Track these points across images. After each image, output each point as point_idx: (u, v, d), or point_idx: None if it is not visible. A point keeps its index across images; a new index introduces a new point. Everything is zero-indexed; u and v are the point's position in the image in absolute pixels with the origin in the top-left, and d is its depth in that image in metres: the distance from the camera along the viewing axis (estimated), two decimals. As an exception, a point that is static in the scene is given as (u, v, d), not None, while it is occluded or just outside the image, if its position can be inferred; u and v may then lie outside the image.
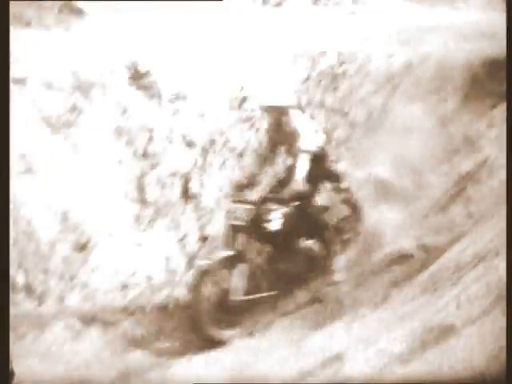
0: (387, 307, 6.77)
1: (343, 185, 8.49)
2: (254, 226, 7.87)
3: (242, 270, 7.72)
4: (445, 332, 5.79)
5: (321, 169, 8.21)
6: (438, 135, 9.38)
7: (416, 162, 9.18)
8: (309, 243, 8.24)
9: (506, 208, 5.93)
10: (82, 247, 8.73)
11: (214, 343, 7.43)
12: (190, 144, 9.80)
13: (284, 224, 7.96)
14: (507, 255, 5.59)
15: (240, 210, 7.88)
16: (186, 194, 9.42)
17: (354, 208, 8.60)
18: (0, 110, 6.30)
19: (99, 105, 9.70)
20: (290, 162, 8.25)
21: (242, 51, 10.58)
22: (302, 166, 7.83)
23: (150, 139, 9.72)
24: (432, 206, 8.75)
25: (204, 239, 9.15)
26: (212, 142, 9.88)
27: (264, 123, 9.93)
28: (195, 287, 7.55)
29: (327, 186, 8.42)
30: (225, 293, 7.70)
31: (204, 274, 7.59)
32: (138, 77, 10.05)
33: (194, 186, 9.51)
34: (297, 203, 8.02)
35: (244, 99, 10.20)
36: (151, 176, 9.44)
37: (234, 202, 8.03)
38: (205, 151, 9.79)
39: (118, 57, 10.04)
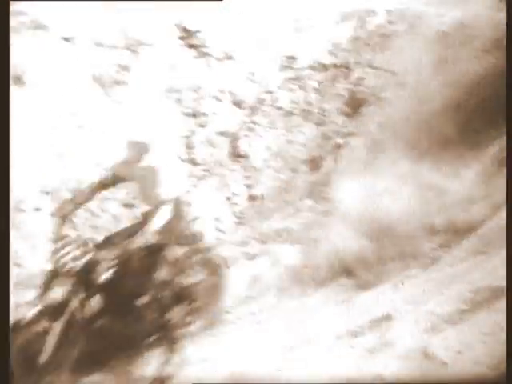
0: (436, 269, 6.77)
1: (203, 244, 7.52)
2: (83, 273, 6.59)
3: (60, 323, 6.39)
4: (494, 294, 5.79)
5: (175, 224, 7.05)
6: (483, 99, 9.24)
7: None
8: (143, 303, 6.90)
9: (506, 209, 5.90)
10: (131, 205, 8.83)
11: None
12: (238, 103, 9.83)
13: (117, 276, 6.69)
14: (507, 257, 5.57)
15: (69, 252, 6.56)
16: (235, 154, 9.46)
17: (215, 271, 7.54)
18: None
19: (148, 63, 9.76)
20: (143, 208, 7.07)
21: (291, 10, 10.51)
22: (160, 217, 6.75)
23: (199, 98, 9.76)
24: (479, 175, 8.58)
25: (252, 199, 9.19)
26: (260, 102, 9.88)
27: (313, 82, 9.94)
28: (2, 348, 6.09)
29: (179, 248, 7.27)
30: (35, 352, 6.33)
31: (14, 329, 6.23)
32: (187, 36, 10.07)
33: (242, 146, 9.56)
34: (140, 255, 6.77)
35: (293, 58, 10.17)
36: (200, 135, 9.49)
37: (62, 242, 6.63)
38: (253, 111, 9.81)
39: (167, 15, 10.05)
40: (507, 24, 7.03)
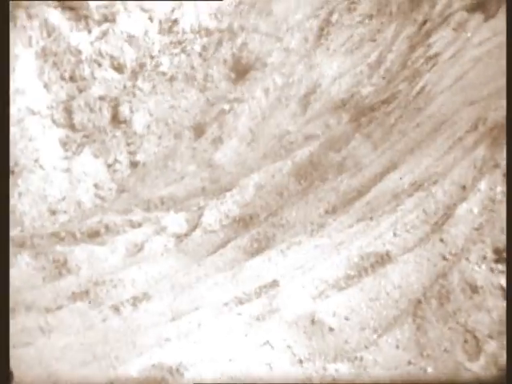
0: (323, 234, 6.75)
1: None
2: None
3: None
4: (381, 259, 5.82)
5: None
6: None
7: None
8: None
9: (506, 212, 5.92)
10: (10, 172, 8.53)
11: None
12: (118, 68, 9.56)
13: None
14: (507, 257, 5.60)
15: None
16: (116, 119, 9.23)
17: None
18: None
19: (25, 24, 9.37)
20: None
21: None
22: None
23: (78, 62, 9.45)
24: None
25: (134, 165, 8.99)
26: (142, 66, 9.65)
27: (196, 47, 9.74)
28: None
29: None
30: None
31: None
32: (65, -4, 9.73)
33: (123, 111, 9.31)
34: None
35: (175, 22, 9.96)
36: (79, 100, 9.19)
37: None
38: (134, 75, 9.57)
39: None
40: (507, 24, 6.96)
